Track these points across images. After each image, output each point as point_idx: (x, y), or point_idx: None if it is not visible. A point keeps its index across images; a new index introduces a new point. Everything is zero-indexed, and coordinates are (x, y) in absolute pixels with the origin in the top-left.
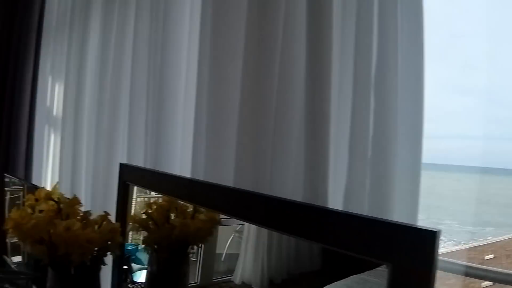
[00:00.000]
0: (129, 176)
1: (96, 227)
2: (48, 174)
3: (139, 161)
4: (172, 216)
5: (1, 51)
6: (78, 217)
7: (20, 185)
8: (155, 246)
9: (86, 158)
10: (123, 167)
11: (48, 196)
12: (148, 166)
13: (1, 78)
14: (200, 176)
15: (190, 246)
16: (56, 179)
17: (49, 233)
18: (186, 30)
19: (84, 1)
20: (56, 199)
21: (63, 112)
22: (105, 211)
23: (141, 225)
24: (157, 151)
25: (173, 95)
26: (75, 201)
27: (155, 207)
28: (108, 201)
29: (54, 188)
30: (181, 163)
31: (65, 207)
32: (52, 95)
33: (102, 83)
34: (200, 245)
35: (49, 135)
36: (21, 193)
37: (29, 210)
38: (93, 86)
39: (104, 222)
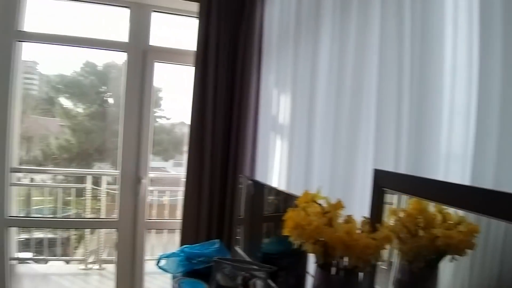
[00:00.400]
0: (387, 182)
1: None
2: (274, 176)
3: (387, 166)
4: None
5: (228, 69)
6: (341, 221)
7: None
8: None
9: (319, 163)
10: (378, 173)
11: (313, 199)
12: (401, 171)
13: (230, 93)
14: (489, 185)
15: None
16: (283, 181)
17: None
18: (449, 20)
19: (312, 16)
20: (319, 202)
21: (292, 120)
22: (365, 217)
23: (395, 233)
24: (416, 156)
25: (436, 97)
26: (339, 205)
27: (403, 215)
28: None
29: (318, 191)
30: (446, 169)
31: (331, 210)
32: (278, 105)
33: (340, 90)
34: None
35: (274, 141)
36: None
37: (303, 213)
38: (328, 94)
39: (365, 228)
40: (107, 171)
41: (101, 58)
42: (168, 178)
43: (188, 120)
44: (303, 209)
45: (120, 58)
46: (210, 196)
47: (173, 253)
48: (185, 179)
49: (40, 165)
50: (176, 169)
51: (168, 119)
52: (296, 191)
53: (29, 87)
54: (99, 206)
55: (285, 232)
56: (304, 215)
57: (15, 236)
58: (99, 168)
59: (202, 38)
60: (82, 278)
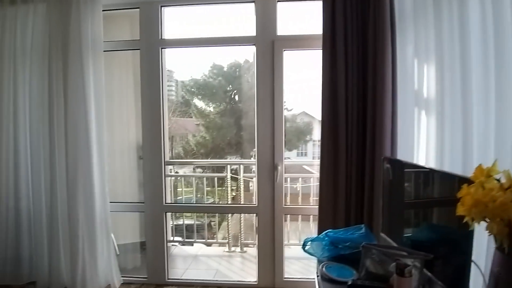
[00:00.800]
0: None
1: None
2: (420, 155)
3: None
4: None
5: (358, 47)
6: None
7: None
8: None
9: (480, 135)
10: None
11: (489, 174)
12: None
13: (362, 71)
14: None
15: None
16: (432, 159)
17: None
18: None
19: None
20: (496, 177)
21: (439, 92)
22: None
23: None
24: None
25: None
26: None
27: None
28: None
29: (493, 165)
30: None
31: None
32: (420, 78)
33: (500, 51)
34: None
35: (419, 117)
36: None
37: (481, 189)
38: (485, 57)
39: None
40: (244, 160)
41: (225, 59)
42: (293, 166)
43: (317, 105)
44: (481, 185)
45: (242, 57)
46: (347, 180)
47: (318, 237)
48: (319, 165)
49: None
50: (299, 159)
51: (289, 110)
52: (453, 169)
53: (169, 93)
54: (233, 194)
55: (461, 211)
56: (484, 192)
57: (170, 221)
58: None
59: (328, 19)
60: (226, 259)
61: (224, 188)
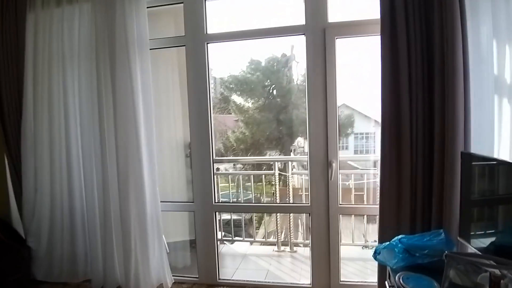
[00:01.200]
0: None
1: None
2: (503, 147)
3: None
4: None
5: (422, 30)
6: None
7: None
8: None
9: None
10: None
11: None
12: None
13: (428, 56)
14: None
15: None
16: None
17: None
18: None
19: None
20: None
21: None
22: None
23: None
24: None
25: None
26: None
27: None
28: None
29: None
30: None
31: None
32: (501, 62)
33: None
34: None
35: (500, 105)
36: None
37: None
38: None
39: None
40: (294, 157)
41: (262, 54)
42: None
43: (358, 96)
44: None
45: (279, 50)
46: (411, 180)
47: (390, 243)
48: (380, 163)
49: (222, 156)
50: (340, 153)
51: None
52: None
53: None
54: (274, 191)
55: None
56: None
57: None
58: (269, 155)
59: (387, 0)
60: (276, 259)
61: (263, 183)
